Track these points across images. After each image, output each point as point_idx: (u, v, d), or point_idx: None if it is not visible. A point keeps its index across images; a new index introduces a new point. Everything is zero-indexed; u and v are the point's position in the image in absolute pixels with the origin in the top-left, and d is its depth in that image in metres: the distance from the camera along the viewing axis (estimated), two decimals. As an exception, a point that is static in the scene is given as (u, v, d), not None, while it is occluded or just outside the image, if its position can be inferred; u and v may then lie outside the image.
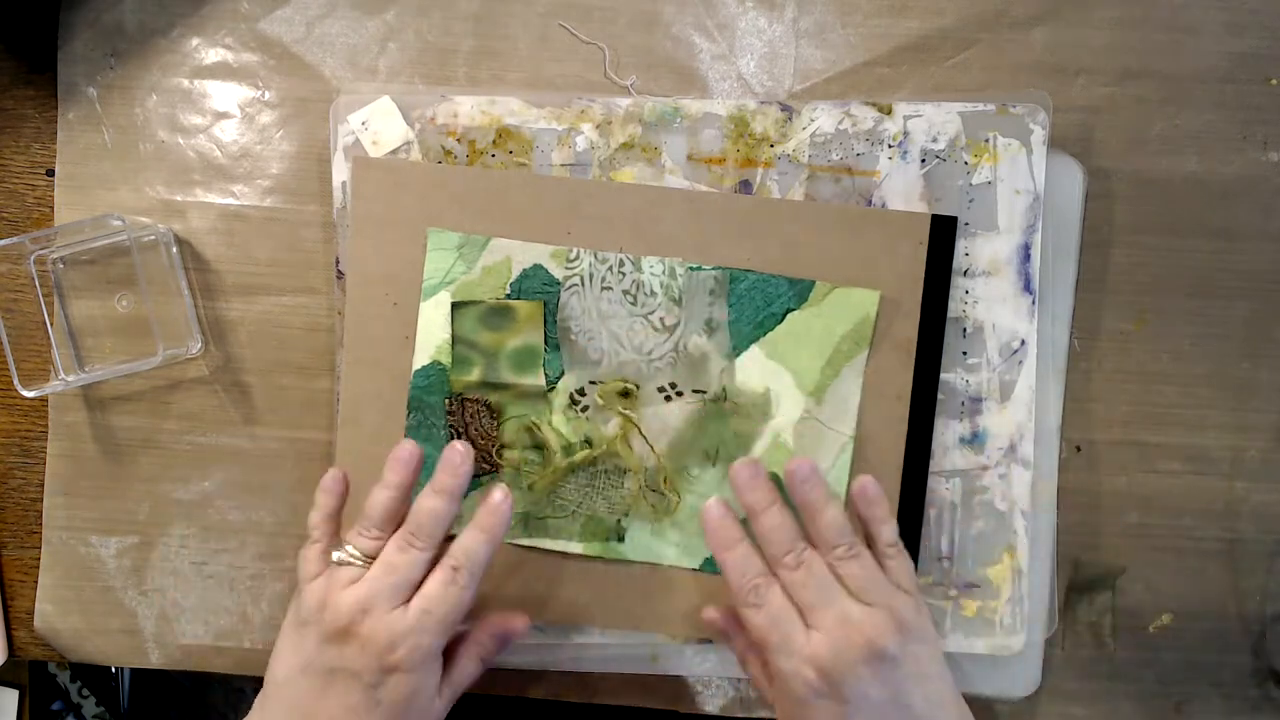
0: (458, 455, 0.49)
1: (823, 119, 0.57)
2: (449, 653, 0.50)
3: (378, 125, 0.57)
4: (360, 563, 0.48)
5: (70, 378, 0.58)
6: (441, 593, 0.47)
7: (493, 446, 0.56)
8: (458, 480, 0.49)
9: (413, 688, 0.47)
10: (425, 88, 0.58)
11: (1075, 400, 0.59)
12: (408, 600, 0.47)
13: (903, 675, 0.45)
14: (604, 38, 0.59)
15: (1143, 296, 0.59)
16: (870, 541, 0.49)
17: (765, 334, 0.56)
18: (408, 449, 0.50)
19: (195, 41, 0.59)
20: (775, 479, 0.52)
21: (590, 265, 0.56)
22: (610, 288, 0.56)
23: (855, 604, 0.46)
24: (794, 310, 0.55)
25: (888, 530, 0.49)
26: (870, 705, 0.45)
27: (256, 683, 0.53)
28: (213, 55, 0.59)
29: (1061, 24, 0.58)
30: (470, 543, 0.48)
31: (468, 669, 0.51)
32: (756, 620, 0.47)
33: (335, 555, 0.49)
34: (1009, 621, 0.57)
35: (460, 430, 0.56)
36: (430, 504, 0.48)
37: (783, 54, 0.59)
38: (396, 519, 0.49)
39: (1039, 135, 0.56)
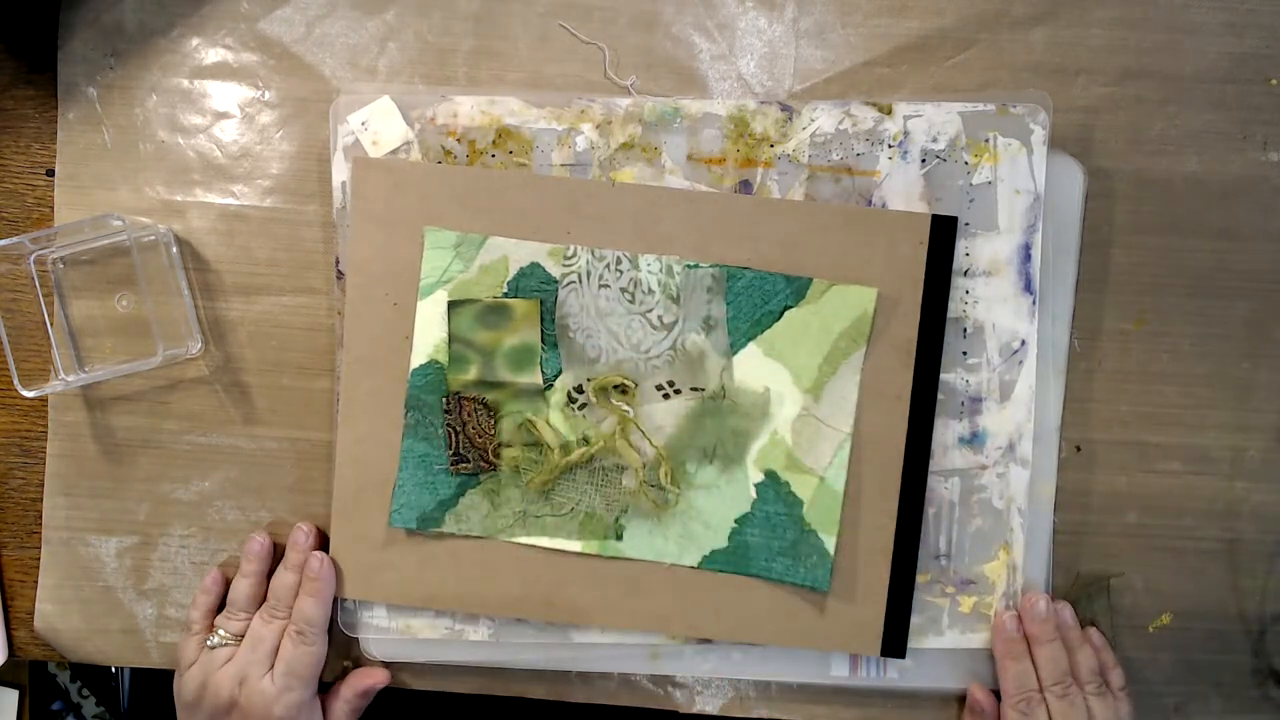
0: (301, 535, 0.58)
1: (823, 119, 0.57)
2: (326, 708, 0.58)
3: (378, 125, 0.57)
4: (233, 642, 0.56)
5: (70, 378, 0.58)
6: (295, 653, 0.55)
7: (490, 445, 0.56)
8: (304, 556, 0.57)
9: None
10: (425, 88, 0.58)
11: (1075, 400, 0.59)
12: (273, 666, 0.56)
13: None
14: (604, 38, 0.59)
15: (1143, 296, 0.59)
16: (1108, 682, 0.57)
17: (763, 331, 0.56)
18: (259, 542, 0.58)
19: (195, 41, 0.59)
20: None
21: (588, 263, 0.56)
22: (608, 285, 0.56)
23: None
24: (791, 307, 0.55)
25: (1119, 676, 0.56)
26: None
27: (256, 683, 0.54)
28: (213, 55, 0.59)
29: (1061, 24, 0.58)
30: (303, 606, 0.56)
31: None
32: None
33: (211, 640, 0.56)
34: (1007, 619, 0.57)
35: (458, 429, 0.56)
36: (283, 578, 0.57)
37: (783, 54, 0.59)
38: (257, 601, 0.58)
39: (1039, 135, 0.56)
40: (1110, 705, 0.55)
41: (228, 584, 0.59)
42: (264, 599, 0.58)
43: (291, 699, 0.55)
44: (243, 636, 0.56)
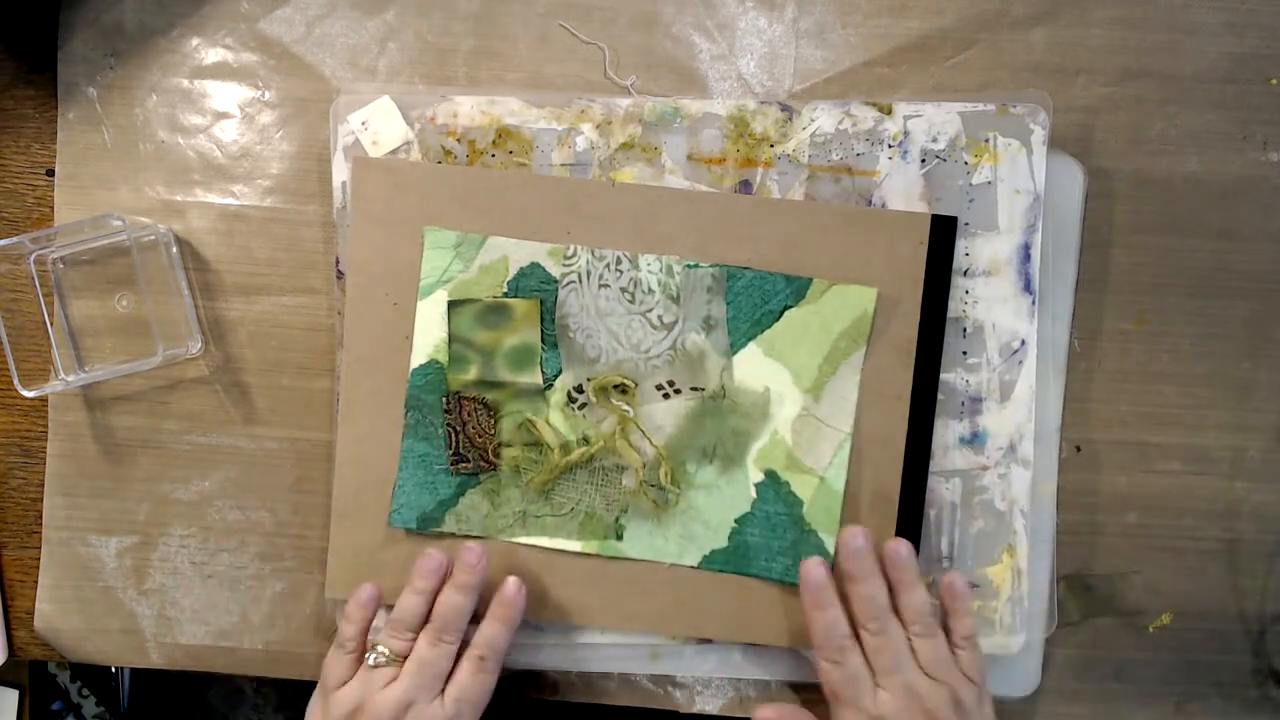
0: (473, 555, 0.53)
1: (823, 119, 0.57)
2: None
3: (378, 125, 0.57)
4: (395, 662, 0.52)
5: (70, 378, 0.58)
6: (472, 680, 0.52)
7: (490, 445, 0.56)
8: (475, 577, 0.53)
9: None
10: (425, 88, 0.58)
11: (1075, 400, 0.59)
12: (442, 691, 0.52)
13: None
14: (604, 38, 0.59)
15: (1143, 296, 0.59)
16: (948, 631, 0.53)
17: (763, 331, 0.56)
18: (437, 559, 0.54)
19: (195, 41, 0.59)
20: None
21: (588, 263, 0.56)
22: (608, 285, 0.56)
23: (922, 677, 0.51)
24: (791, 307, 0.55)
25: (965, 623, 0.53)
26: None
27: (256, 682, 0.54)
28: (213, 55, 0.59)
29: (1061, 24, 0.58)
30: (491, 633, 0.53)
31: None
32: (834, 676, 0.52)
33: (371, 659, 0.52)
34: (1009, 621, 0.57)
35: (458, 429, 0.56)
36: (452, 600, 0.53)
37: (783, 54, 0.59)
38: (424, 620, 0.53)
39: (1039, 135, 0.56)
40: (937, 646, 0.52)
41: (382, 598, 0.55)
42: (429, 618, 0.54)
43: None
44: (405, 657, 0.52)
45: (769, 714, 0.54)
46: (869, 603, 0.52)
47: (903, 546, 0.53)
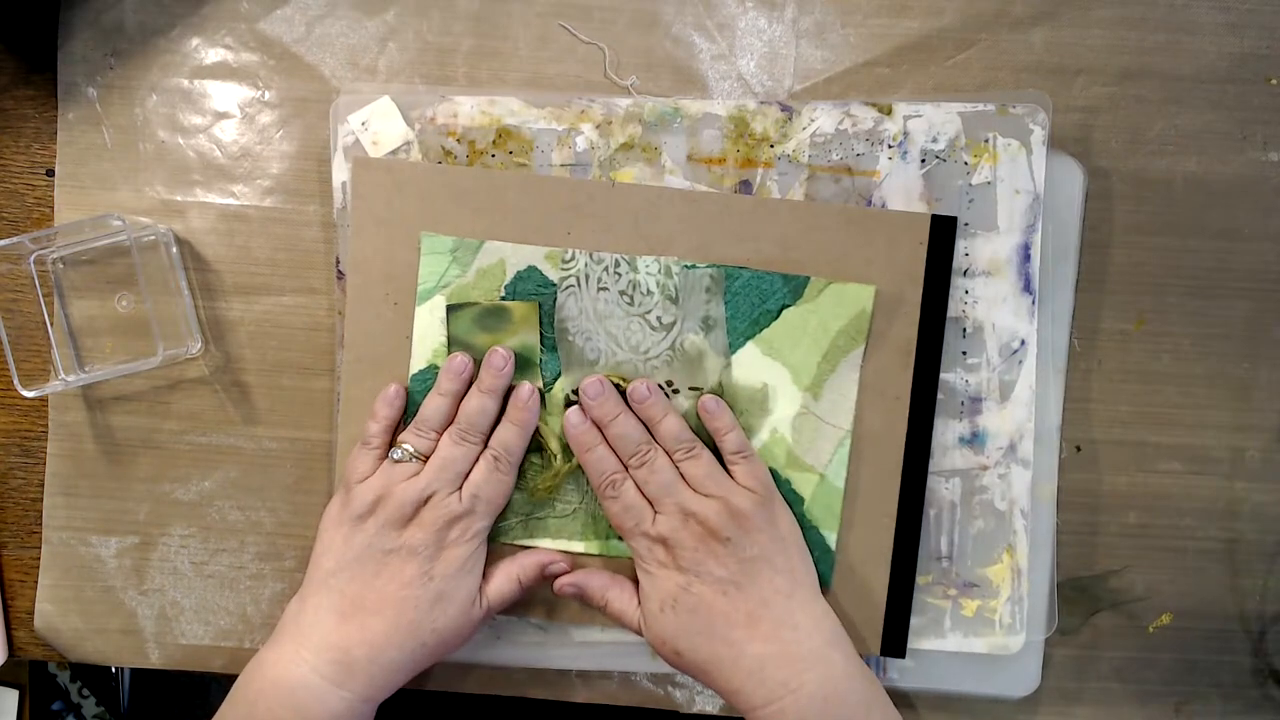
0: (499, 358, 0.55)
1: (823, 119, 0.57)
2: (490, 573, 0.55)
3: (378, 125, 0.57)
4: (417, 459, 0.54)
5: (70, 378, 0.58)
6: (487, 478, 0.54)
7: (491, 447, 0.56)
8: (500, 380, 0.55)
9: (462, 561, 0.53)
10: (425, 88, 0.58)
11: (1075, 400, 0.59)
12: (460, 488, 0.54)
13: (744, 558, 0.52)
14: (604, 38, 0.59)
15: (1143, 296, 0.59)
16: (721, 453, 0.55)
17: (761, 331, 0.56)
18: (460, 360, 0.55)
19: (195, 41, 0.59)
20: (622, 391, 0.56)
21: (586, 266, 0.56)
22: (607, 289, 0.56)
23: (693, 495, 0.53)
24: (789, 306, 0.55)
25: (730, 439, 0.55)
26: (711, 578, 0.52)
27: (256, 682, 0.53)
28: (213, 55, 0.59)
29: (1061, 24, 0.58)
30: (505, 435, 0.55)
31: (505, 587, 0.55)
32: (614, 509, 0.54)
33: (395, 454, 0.54)
34: (1008, 621, 0.57)
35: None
36: (477, 402, 0.55)
37: (783, 54, 0.59)
38: (448, 422, 0.55)
39: (1039, 135, 0.56)
40: (702, 464, 0.53)
41: (407, 401, 0.56)
42: (454, 420, 0.55)
43: (473, 524, 0.53)
44: (428, 456, 0.54)
45: (566, 581, 0.56)
46: (624, 440, 0.54)
47: (640, 387, 0.55)
